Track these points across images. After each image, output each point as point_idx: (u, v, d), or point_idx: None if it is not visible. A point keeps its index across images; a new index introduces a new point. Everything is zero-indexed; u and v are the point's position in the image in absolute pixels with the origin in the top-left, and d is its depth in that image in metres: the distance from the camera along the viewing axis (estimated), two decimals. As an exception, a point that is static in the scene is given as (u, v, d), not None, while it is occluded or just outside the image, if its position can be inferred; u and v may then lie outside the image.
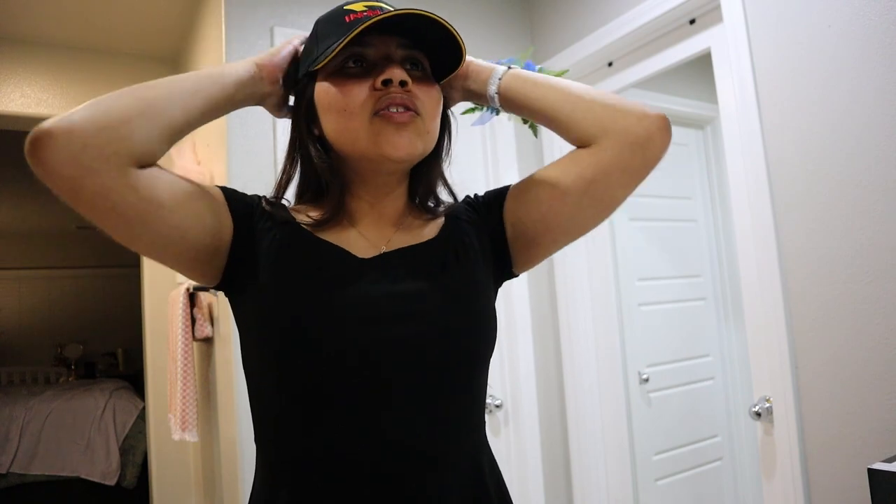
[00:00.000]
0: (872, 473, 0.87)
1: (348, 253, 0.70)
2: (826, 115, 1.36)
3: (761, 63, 1.50)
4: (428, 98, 0.70)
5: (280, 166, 0.79)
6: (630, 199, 0.78)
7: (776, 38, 1.47)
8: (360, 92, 0.67)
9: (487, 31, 2.21)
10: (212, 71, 0.67)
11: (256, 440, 0.72)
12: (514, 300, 2.08)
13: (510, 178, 2.14)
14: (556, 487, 2.11)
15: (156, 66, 2.65)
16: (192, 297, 1.98)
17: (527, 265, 0.82)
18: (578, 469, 2.10)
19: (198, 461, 2.44)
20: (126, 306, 5.83)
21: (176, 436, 1.97)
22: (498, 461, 0.81)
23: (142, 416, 3.89)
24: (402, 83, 0.66)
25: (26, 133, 0.59)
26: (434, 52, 0.73)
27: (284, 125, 1.78)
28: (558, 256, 2.17)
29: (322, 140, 0.73)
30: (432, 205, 0.79)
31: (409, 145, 0.67)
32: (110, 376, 5.42)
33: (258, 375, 0.71)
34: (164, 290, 2.47)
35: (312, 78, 0.71)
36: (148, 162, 0.60)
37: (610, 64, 2.04)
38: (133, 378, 4.92)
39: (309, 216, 0.74)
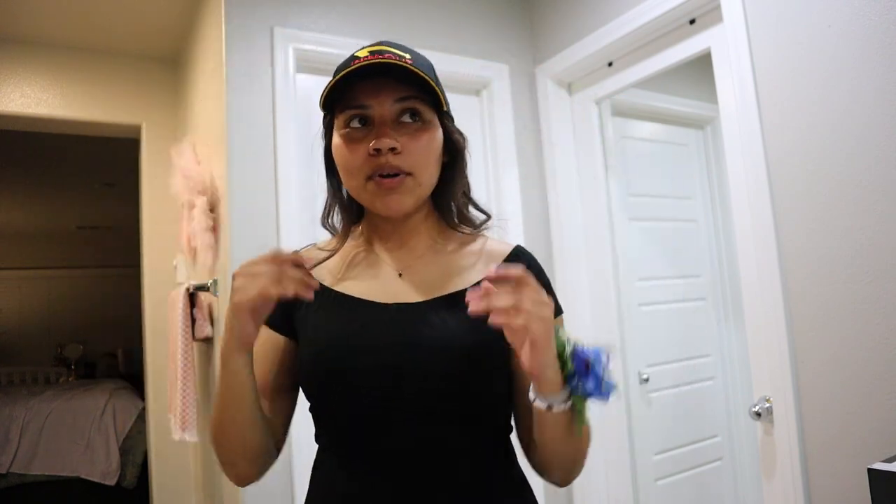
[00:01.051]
0: (872, 473, 0.87)
1: (366, 303, 0.82)
2: (826, 115, 1.36)
3: (761, 63, 1.50)
4: (420, 150, 0.78)
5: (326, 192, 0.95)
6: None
7: (776, 38, 1.47)
8: (359, 155, 0.78)
9: (487, 31, 2.21)
10: (225, 391, 0.76)
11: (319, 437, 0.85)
12: (514, 300, 2.08)
13: (510, 177, 2.14)
14: (556, 487, 2.10)
15: (156, 66, 2.65)
16: (192, 297, 1.98)
17: None
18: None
19: (198, 461, 2.44)
20: (126, 306, 5.83)
21: (176, 436, 1.97)
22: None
23: (142, 416, 3.89)
24: (392, 149, 0.76)
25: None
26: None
27: (284, 125, 1.79)
28: (558, 256, 2.17)
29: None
30: (475, 221, 0.91)
31: (398, 204, 0.79)
32: (110, 376, 5.42)
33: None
34: (164, 290, 2.47)
35: (332, 125, 0.85)
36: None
37: (610, 64, 2.04)
38: (133, 378, 4.92)
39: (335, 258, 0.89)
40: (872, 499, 0.87)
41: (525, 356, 0.66)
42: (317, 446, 0.85)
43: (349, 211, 0.89)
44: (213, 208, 1.91)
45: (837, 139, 1.34)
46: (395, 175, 0.77)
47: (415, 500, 0.75)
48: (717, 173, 2.59)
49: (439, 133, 0.82)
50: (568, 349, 0.71)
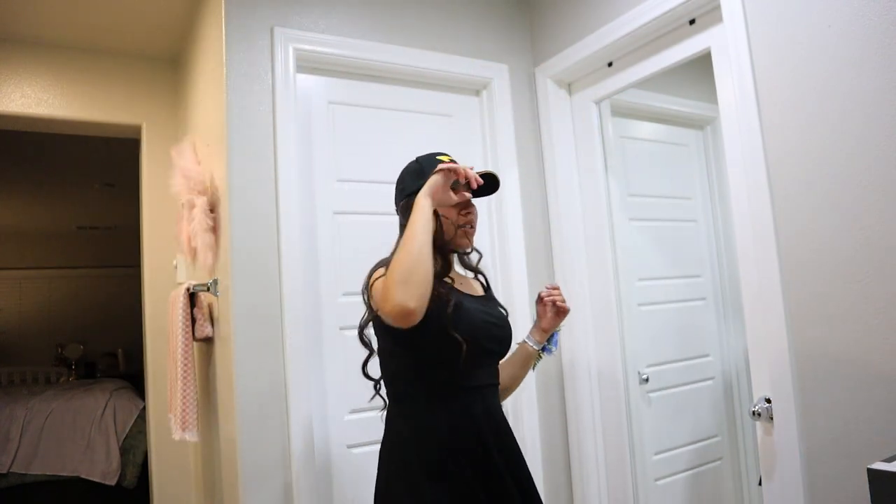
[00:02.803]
0: (872, 473, 0.87)
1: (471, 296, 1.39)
2: (826, 115, 1.36)
3: (761, 63, 1.50)
4: (477, 217, 1.39)
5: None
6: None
7: (776, 39, 1.47)
8: (454, 216, 1.34)
9: (487, 31, 2.21)
10: (425, 226, 1.20)
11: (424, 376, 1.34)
12: (514, 300, 2.08)
13: (510, 178, 2.14)
14: (557, 487, 2.11)
15: (156, 66, 2.65)
16: (192, 297, 1.98)
17: None
18: (578, 469, 2.10)
19: (198, 461, 2.44)
20: (126, 306, 5.84)
21: (176, 436, 1.97)
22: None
23: (142, 416, 3.89)
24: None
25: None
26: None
27: (284, 125, 1.79)
28: (558, 256, 2.17)
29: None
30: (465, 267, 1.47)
31: (471, 241, 1.39)
32: (110, 376, 5.42)
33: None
34: (164, 290, 2.48)
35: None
36: None
37: (610, 64, 2.04)
38: (133, 378, 4.92)
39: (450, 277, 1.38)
40: (872, 499, 0.87)
41: (552, 321, 1.53)
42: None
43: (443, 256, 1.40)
44: (213, 208, 1.91)
45: (837, 139, 1.34)
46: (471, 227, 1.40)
47: (492, 411, 1.34)
48: (717, 173, 2.59)
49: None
50: None
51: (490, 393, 1.36)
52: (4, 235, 5.99)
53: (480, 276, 1.48)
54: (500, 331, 1.37)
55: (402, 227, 1.31)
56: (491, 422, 1.31)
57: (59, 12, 2.21)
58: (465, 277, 1.44)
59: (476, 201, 1.39)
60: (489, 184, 1.33)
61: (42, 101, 2.42)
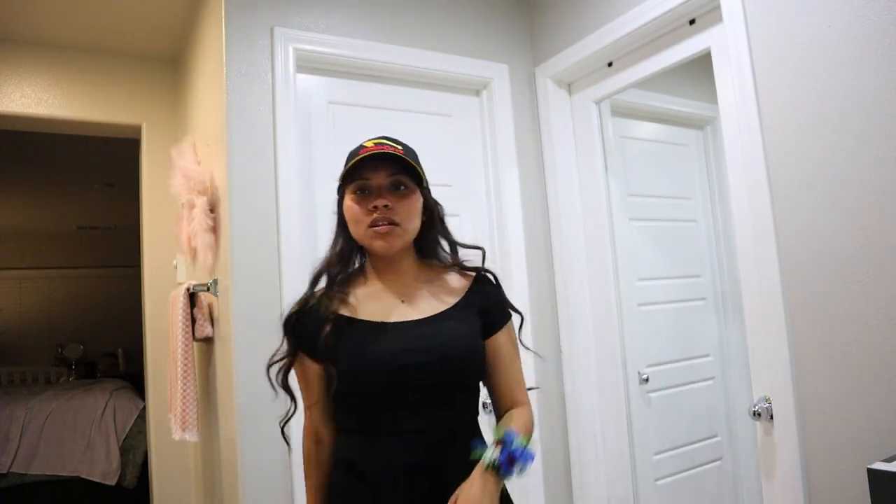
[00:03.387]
0: (872, 473, 0.87)
1: (390, 324, 1.11)
2: (826, 115, 1.36)
3: (761, 63, 1.50)
4: (405, 208, 1.10)
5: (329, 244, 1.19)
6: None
7: (776, 39, 1.47)
8: (363, 211, 1.09)
9: (487, 31, 2.21)
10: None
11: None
12: (514, 300, 2.07)
13: (510, 177, 2.14)
14: (556, 487, 2.11)
15: (156, 66, 2.65)
16: (192, 297, 1.98)
17: None
18: (578, 469, 2.10)
19: (198, 461, 2.44)
20: (126, 306, 5.83)
21: (176, 436, 1.97)
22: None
23: (142, 416, 3.89)
24: (385, 206, 1.08)
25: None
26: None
27: (284, 125, 1.79)
28: (558, 256, 2.17)
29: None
30: (444, 260, 1.20)
31: (388, 245, 1.09)
32: (110, 376, 5.42)
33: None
34: (164, 290, 2.47)
35: (343, 193, 1.15)
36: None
37: (610, 64, 2.04)
38: (133, 378, 4.92)
39: (344, 294, 1.14)
40: (872, 499, 0.87)
41: None
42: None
43: (352, 249, 1.18)
44: (213, 208, 1.91)
45: (837, 139, 1.34)
46: (387, 224, 1.07)
47: (421, 467, 1.04)
48: (717, 173, 2.59)
49: (419, 198, 1.14)
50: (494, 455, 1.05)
51: (424, 441, 1.05)
52: (4, 235, 5.99)
53: (454, 276, 1.19)
54: (412, 359, 1.05)
55: (337, 218, 1.17)
56: (420, 482, 1.03)
57: (59, 12, 2.21)
58: (421, 285, 1.16)
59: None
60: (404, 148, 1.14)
61: (42, 101, 2.42)
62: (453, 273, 1.19)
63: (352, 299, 1.13)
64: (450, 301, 1.15)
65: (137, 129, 2.64)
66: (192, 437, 1.93)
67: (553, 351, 2.16)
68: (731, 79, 1.60)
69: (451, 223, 1.23)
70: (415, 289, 1.15)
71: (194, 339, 1.99)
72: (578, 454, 2.10)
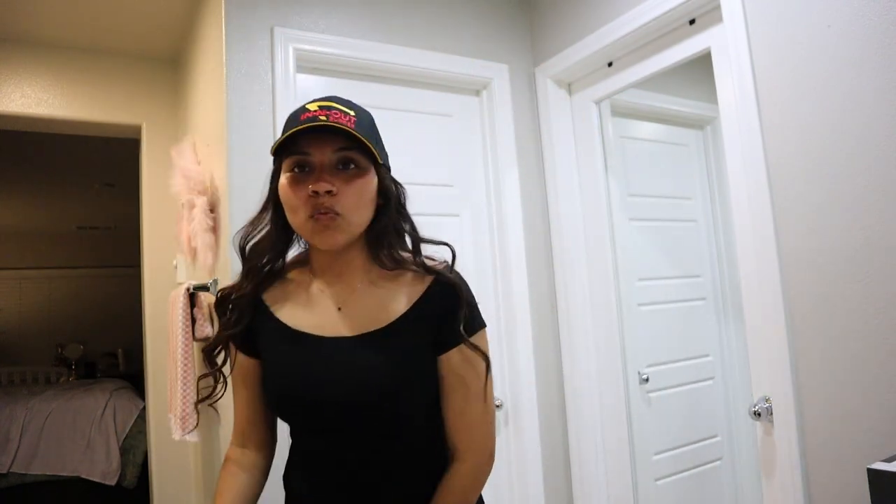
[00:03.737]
0: (872, 473, 0.87)
1: (310, 337, 0.95)
2: (826, 115, 1.36)
3: (761, 63, 1.50)
4: (353, 194, 0.89)
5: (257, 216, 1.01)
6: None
7: (776, 39, 1.47)
8: (301, 196, 0.88)
9: (487, 31, 2.21)
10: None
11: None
12: (513, 299, 2.08)
13: (510, 177, 2.14)
14: (556, 487, 2.11)
15: (156, 66, 2.65)
16: (192, 297, 1.98)
17: None
18: (578, 469, 2.10)
19: (198, 461, 2.44)
20: (126, 306, 5.83)
21: (176, 436, 1.97)
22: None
23: (142, 416, 3.89)
24: (329, 192, 0.87)
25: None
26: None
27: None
28: (558, 256, 2.17)
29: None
30: (397, 257, 0.95)
31: (332, 239, 0.90)
32: (110, 376, 5.42)
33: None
34: (164, 290, 2.47)
35: (280, 166, 0.94)
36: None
37: (610, 64, 2.04)
38: (133, 378, 4.92)
39: (276, 288, 1.01)
40: (872, 499, 0.87)
41: None
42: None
43: (281, 240, 0.99)
44: (213, 208, 1.91)
45: (837, 139, 1.34)
46: (329, 214, 0.88)
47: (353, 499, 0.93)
48: (717, 173, 2.59)
49: (373, 179, 0.92)
50: None
51: (356, 477, 0.92)
52: (4, 235, 5.99)
53: (409, 279, 0.96)
54: (329, 394, 0.90)
55: (269, 192, 0.97)
56: None
57: (59, 12, 2.21)
58: (367, 288, 0.96)
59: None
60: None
61: (42, 101, 2.42)
62: (409, 274, 0.96)
63: (279, 295, 0.98)
64: (396, 311, 0.93)
65: (137, 129, 2.64)
66: (192, 437, 1.93)
67: (553, 351, 2.16)
68: (731, 79, 1.59)
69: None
70: (358, 293, 0.95)
71: (194, 339, 1.99)
72: (578, 454, 2.10)
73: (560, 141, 2.19)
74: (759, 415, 1.52)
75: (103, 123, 2.55)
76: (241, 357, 1.01)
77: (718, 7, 1.62)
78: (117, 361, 6.01)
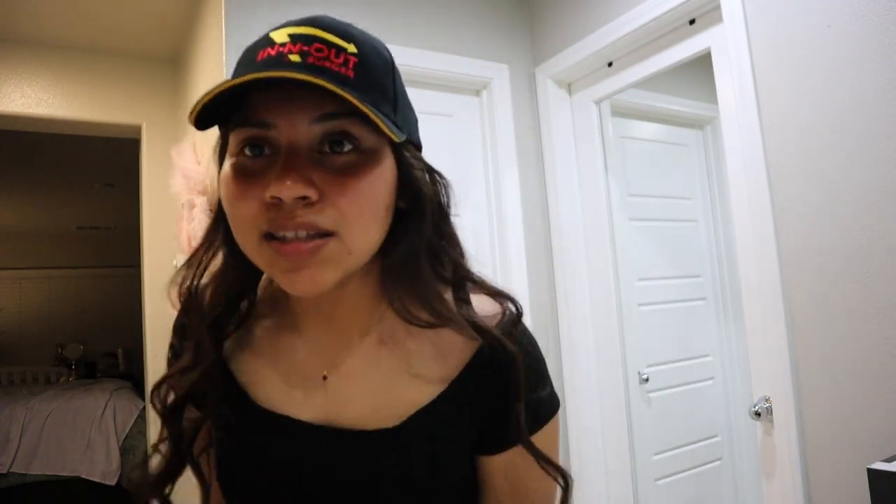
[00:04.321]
0: (872, 473, 0.87)
1: (285, 421, 0.58)
2: (826, 116, 1.36)
3: (761, 63, 1.50)
4: (353, 198, 0.49)
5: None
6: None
7: (776, 39, 1.47)
8: (251, 200, 0.49)
9: (487, 31, 2.21)
10: None
11: None
12: (514, 300, 2.08)
13: (510, 177, 2.14)
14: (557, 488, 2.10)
15: (156, 66, 2.65)
16: (192, 297, 1.98)
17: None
18: (578, 469, 2.10)
19: (198, 461, 2.44)
20: (126, 306, 5.84)
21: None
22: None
23: (142, 416, 3.89)
24: (303, 198, 0.47)
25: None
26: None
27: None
28: (558, 256, 2.17)
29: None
30: (438, 309, 0.55)
31: (310, 283, 0.49)
32: (110, 376, 5.42)
33: None
34: (164, 290, 2.47)
35: (224, 145, 0.55)
36: None
37: (610, 64, 2.04)
38: (133, 378, 4.92)
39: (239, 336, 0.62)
40: (872, 499, 0.87)
41: None
42: None
43: (243, 276, 0.59)
44: (213, 208, 1.91)
45: (837, 139, 1.34)
46: (309, 237, 0.48)
47: None
48: (717, 173, 2.59)
49: (387, 169, 0.52)
50: None
51: None
52: (4, 235, 5.99)
53: (447, 331, 0.56)
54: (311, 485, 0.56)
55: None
56: None
57: (59, 12, 2.21)
58: (374, 343, 0.58)
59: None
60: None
61: (42, 101, 2.42)
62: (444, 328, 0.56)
63: (240, 343, 0.62)
64: (419, 395, 0.56)
65: (137, 129, 2.64)
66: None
67: (553, 351, 2.16)
68: (731, 79, 1.59)
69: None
70: (355, 354, 0.58)
71: (194, 339, 1.99)
72: (578, 454, 2.10)
73: (560, 141, 2.19)
74: (759, 415, 1.52)
75: (103, 123, 2.55)
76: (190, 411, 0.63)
77: (718, 7, 1.62)
78: (117, 361, 6.01)
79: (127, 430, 3.85)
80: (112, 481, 3.68)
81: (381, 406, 0.56)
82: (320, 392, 0.58)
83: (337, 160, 0.50)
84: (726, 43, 1.61)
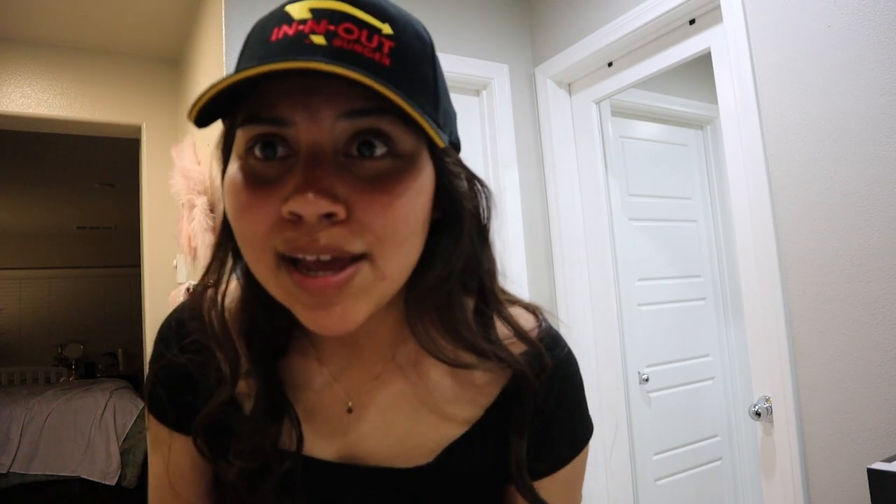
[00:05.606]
0: (872, 473, 0.87)
1: (304, 461, 0.52)
2: (826, 116, 1.36)
3: (761, 63, 1.50)
4: (390, 216, 0.41)
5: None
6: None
7: (776, 39, 1.47)
8: (263, 213, 0.41)
9: (487, 31, 2.21)
10: None
11: None
12: (514, 300, 2.08)
13: (510, 177, 2.14)
14: (556, 487, 2.10)
15: (156, 66, 2.65)
16: (192, 297, 1.98)
17: None
18: (578, 469, 2.10)
19: (198, 461, 2.44)
20: (126, 306, 5.84)
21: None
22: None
23: (142, 416, 3.88)
24: (330, 215, 0.39)
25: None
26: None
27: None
28: (558, 256, 2.17)
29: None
30: (475, 344, 0.50)
31: (339, 322, 0.42)
32: (110, 376, 5.42)
33: None
34: (164, 290, 2.47)
35: (230, 144, 0.46)
36: None
37: (610, 64, 2.04)
38: (133, 378, 4.92)
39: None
40: (872, 499, 0.87)
41: None
42: None
43: (267, 307, 0.49)
44: (213, 208, 1.91)
45: (837, 139, 1.34)
46: (335, 262, 0.40)
47: None
48: (717, 173, 2.59)
49: (427, 177, 0.44)
50: None
51: None
52: (4, 235, 5.99)
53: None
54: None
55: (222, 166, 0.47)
56: None
57: (59, 12, 2.21)
58: (399, 375, 0.53)
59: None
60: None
61: (42, 101, 2.42)
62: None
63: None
64: (451, 429, 0.52)
65: (137, 129, 2.64)
66: (192, 437, 1.93)
67: (553, 351, 2.16)
68: (731, 79, 1.59)
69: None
70: (382, 381, 0.53)
71: (194, 339, 1.98)
72: (578, 454, 2.10)
73: (560, 141, 2.19)
74: (759, 415, 1.52)
75: (103, 123, 2.55)
76: (177, 441, 0.61)
77: (718, 7, 1.62)
78: (117, 361, 6.01)
79: (127, 430, 3.85)
80: (112, 481, 3.68)
81: (410, 441, 0.51)
82: (344, 426, 0.52)
83: (368, 167, 0.41)
84: (726, 43, 1.61)
